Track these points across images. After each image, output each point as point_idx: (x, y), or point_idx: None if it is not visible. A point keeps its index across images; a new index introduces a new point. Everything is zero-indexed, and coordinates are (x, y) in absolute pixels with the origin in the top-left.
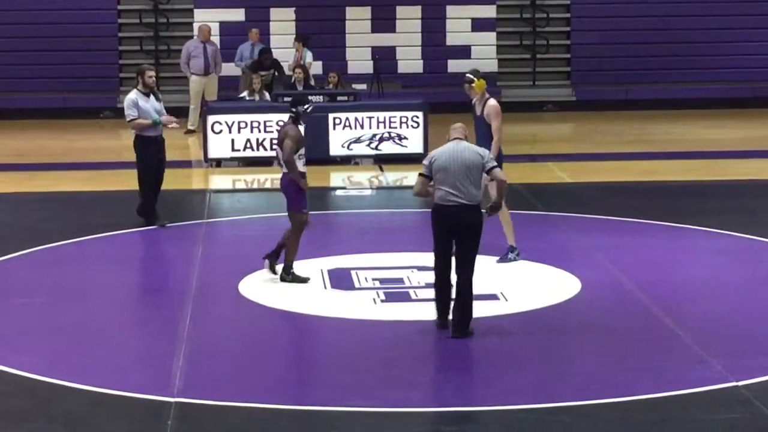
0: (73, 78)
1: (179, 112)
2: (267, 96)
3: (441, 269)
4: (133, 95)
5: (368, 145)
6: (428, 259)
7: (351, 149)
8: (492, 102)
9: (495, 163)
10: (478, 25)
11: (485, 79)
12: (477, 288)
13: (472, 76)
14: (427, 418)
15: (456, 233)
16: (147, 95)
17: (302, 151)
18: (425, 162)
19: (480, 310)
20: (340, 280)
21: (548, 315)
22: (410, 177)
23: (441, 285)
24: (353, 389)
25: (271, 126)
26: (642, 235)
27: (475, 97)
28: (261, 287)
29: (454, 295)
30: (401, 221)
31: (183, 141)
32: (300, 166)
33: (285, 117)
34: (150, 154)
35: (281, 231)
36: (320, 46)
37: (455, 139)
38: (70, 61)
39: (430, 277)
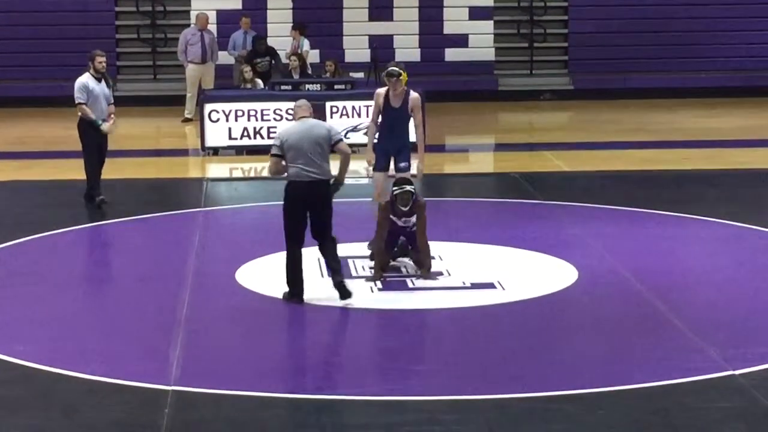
0: (71, 66)
1: (176, 101)
2: (260, 84)
3: (296, 246)
4: (85, 79)
5: (365, 133)
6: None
7: (348, 138)
8: (415, 94)
9: (341, 136)
10: (476, 13)
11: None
12: (473, 277)
13: (399, 70)
14: (425, 406)
15: (312, 206)
16: (99, 80)
17: None
18: (276, 142)
19: (477, 299)
20: None
21: (545, 304)
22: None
23: (296, 262)
24: (350, 377)
25: (268, 114)
26: (639, 224)
27: (399, 89)
28: (258, 276)
29: (324, 263)
30: None
31: (180, 129)
32: None
33: (282, 105)
34: (92, 137)
35: (277, 219)
36: (317, 35)
37: (302, 117)
38: (68, 49)
39: None
